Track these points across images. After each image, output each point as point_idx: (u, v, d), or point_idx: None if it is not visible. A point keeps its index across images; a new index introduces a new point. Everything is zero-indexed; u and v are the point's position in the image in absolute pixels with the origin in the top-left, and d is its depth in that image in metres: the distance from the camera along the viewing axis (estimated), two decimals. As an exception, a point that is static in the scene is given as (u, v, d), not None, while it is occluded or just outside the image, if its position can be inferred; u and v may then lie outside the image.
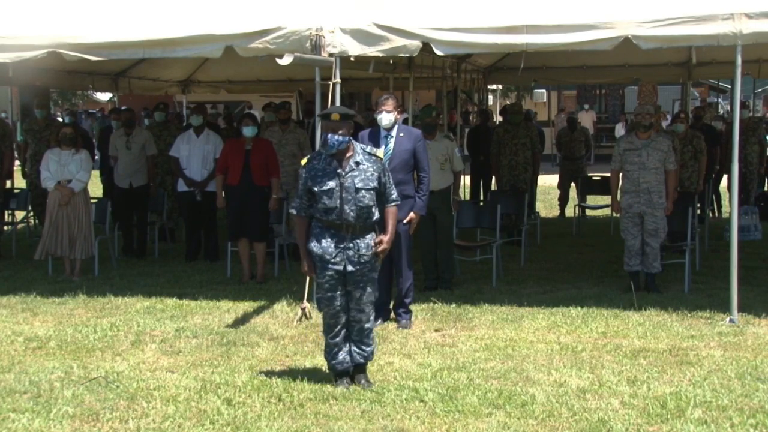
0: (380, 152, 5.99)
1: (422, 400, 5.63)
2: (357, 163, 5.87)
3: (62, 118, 21.09)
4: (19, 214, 12.49)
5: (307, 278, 7.73)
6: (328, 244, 5.87)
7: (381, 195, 5.97)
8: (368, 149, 6.00)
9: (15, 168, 12.38)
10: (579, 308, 8.02)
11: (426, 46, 7.94)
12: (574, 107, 30.93)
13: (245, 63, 9.79)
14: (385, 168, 5.99)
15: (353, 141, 5.96)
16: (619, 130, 25.39)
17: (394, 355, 6.65)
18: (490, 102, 27.88)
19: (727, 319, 7.54)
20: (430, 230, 8.53)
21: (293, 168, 10.51)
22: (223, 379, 6.07)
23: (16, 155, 12.88)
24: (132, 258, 10.94)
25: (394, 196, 6.04)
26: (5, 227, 11.76)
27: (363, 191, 5.84)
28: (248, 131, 9.47)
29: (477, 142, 14.15)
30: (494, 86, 24.29)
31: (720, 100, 34.72)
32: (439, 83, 13.25)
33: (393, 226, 6.02)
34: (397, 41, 7.86)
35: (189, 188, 10.41)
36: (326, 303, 5.95)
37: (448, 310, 8.03)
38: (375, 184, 5.89)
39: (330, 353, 6.01)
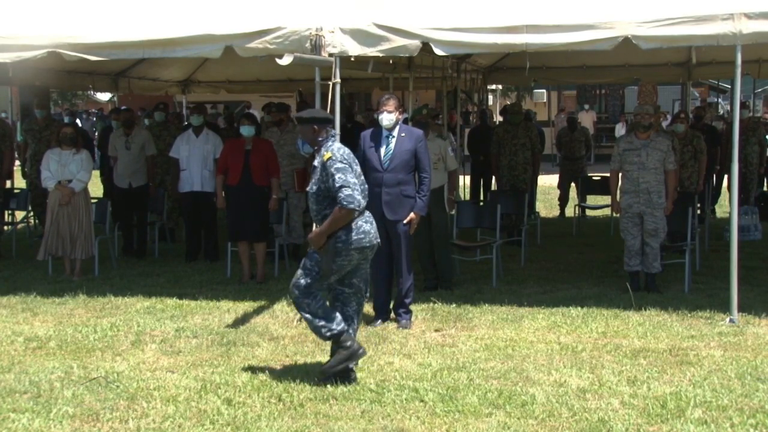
0: (327, 154, 5.87)
1: (422, 400, 5.63)
2: (314, 167, 5.99)
3: (65, 117, 21.08)
4: (19, 214, 12.49)
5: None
6: None
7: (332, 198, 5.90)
8: (322, 151, 5.97)
9: (15, 168, 12.38)
10: (579, 308, 8.02)
11: (426, 46, 7.94)
12: (574, 107, 30.93)
13: (245, 63, 9.79)
14: (328, 170, 5.83)
15: (332, 143, 5.96)
16: (619, 130, 25.40)
17: (394, 355, 6.65)
18: (490, 102, 27.88)
19: (727, 319, 7.54)
20: (426, 230, 8.52)
21: (291, 168, 10.52)
22: (223, 379, 6.07)
23: (16, 155, 12.87)
24: (132, 258, 10.94)
25: (341, 196, 5.78)
26: (5, 227, 11.76)
27: (309, 194, 6.01)
28: (246, 131, 9.48)
29: (477, 142, 14.16)
30: (494, 86, 24.29)
31: (720, 100, 34.72)
32: (439, 83, 13.24)
33: (325, 224, 5.85)
34: (397, 41, 7.86)
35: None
36: None
37: (448, 310, 8.04)
38: (316, 187, 5.94)
39: None
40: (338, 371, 5.91)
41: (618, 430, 5.13)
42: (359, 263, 6.05)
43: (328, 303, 6.08)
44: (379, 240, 6.16)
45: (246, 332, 7.32)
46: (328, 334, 5.94)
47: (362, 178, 6.09)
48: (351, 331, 6.08)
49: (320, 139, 5.96)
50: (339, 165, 5.83)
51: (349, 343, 5.92)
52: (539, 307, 8.08)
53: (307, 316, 5.97)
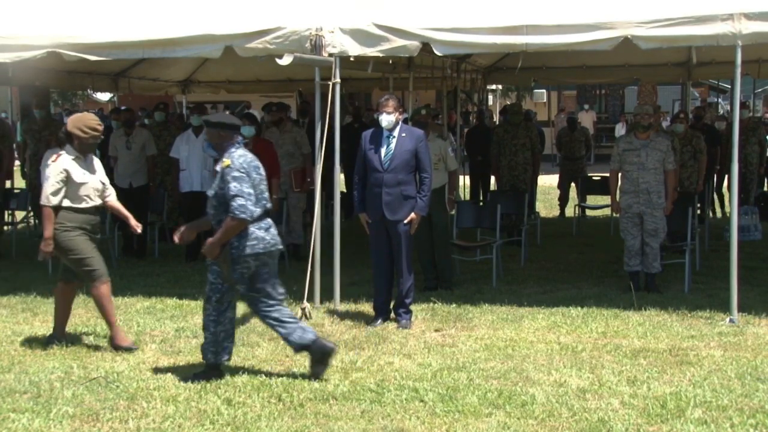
0: (226, 161, 5.95)
1: (422, 400, 5.63)
2: (215, 171, 6.05)
3: (65, 118, 21.03)
4: (19, 214, 12.49)
5: (307, 278, 7.76)
6: None
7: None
8: (224, 156, 6.02)
9: (15, 168, 12.38)
10: (579, 308, 8.02)
11: (426, 46, 7.94)
12: (574, 107, 30.93)
13: (245, 63, 9.79)
14: (226, 177, 5.90)
15: (235, 150, 6.00)
16: (619, 130, 25.40)
17: (394, 355, 6.65)
18: (490, 102, 27.88)
19: (727, 319, 7.54)
20: (426, 230, 8.53)
21: (290, 168, 10.52)
22: (223, 379, 6.07)
23: (15, 155, 12.87)
24: (132, 258, 10.93)
25: (234, 205, 5.84)
26: (5, 227, 11.76)
27: (208, 197, 6.09)
28: (246, 131, 9.45)
29: (475, 142, 14.16)
30: (494, 86, 24.28)
31: (720, 100, 34.71)
32: (439, 83, 13.25)
33: (218, 235, 5.91)
34: (397, 41, 7.87)
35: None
36: None
37: (448, 310, 8.04)
38: (213, 192, 6.02)
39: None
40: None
41: (618, 430, 5.13)
42: (258, 269, 6.06)
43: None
44: (279, 246, 6.19)
45: (246, 332, 7.31)
46: (210, 356, 6.10)
47: (263, 186, 6.09)
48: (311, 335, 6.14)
49: (225, 144, 6.03)
50: (236, 174, 5.90)
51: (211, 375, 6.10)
52: (539, 307, 8.08)
53: (208, 337, 6.10)
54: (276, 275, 6.20)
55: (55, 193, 6.66)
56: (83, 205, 6.75)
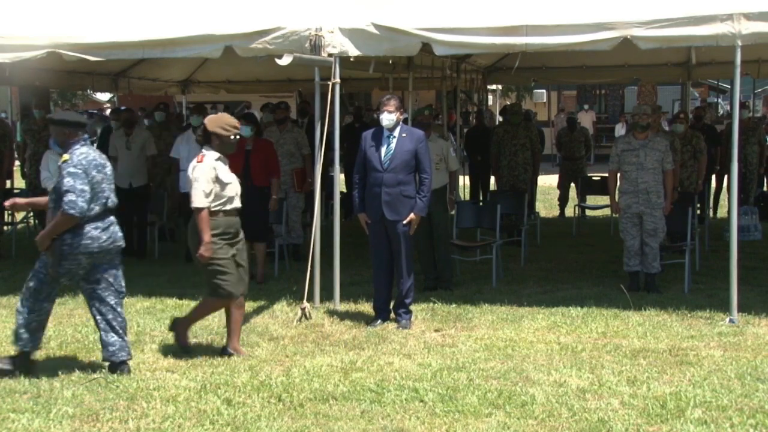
0: (65, 156, 6.02)
1: (422, 400, 5.63)
2: (59, 167, 6.09)
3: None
4: (19, 214, 12.48)
5: (307, 278, 7.76)
6: None
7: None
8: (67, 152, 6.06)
9: (14, 168, 12.38)
10: (579, 308, 8.02)
11: (426, 46, 7.94)
12: (574, 107, 30.94)
13: (245, 63, 9.78)
14: (62, 171, 5.97)
15: (79, 147, 6.04)
16: (619, 130, 25.40)
17: (394, 355, 6.65)
18: (490, 102, 27.88)
19: (727, 319, 7.54)
20: (426, 230, 8.53)
21: (291, 168, 10.53)
22: (223, 379, 6.07)
23: (15, 155, 12.87)
24: (132, 258, 10.91)
25: (64, 200, 5.89)
26: (5, 227, 11.76)
27: (49, 192, 6.16)
28: (244, 131, 9.45)
29: (474, 142, 14.17)
30: (494, 86, 24.28)
31: (720, 100, 34.73)
32: (438, 83, 13.24)
33: (48, 227, 6.02)
34: (397, 41, 7.87)
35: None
36: None
37: (448, 310, 8.04)
38: (52, 186, 6.09)
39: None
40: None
41: (618, 430, 5.14)
42: (99, 264, 6.11)
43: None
44: (119, 243, 6.20)
45: (246, 332, 7.31)
46: (20, 344, 6.20)
47: (106, 185, 6.07)
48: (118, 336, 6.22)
49: (71, 141, 6.08)
50: (71, 169, 5.95)
51: (8, 368, 6.16)
52: (539, 307, 8.08)
53: (20, 319, 6.19)
54: (118, 268, 6.23)
55: (208, 194, 6.36)
56: (228, 206, 6.51)
